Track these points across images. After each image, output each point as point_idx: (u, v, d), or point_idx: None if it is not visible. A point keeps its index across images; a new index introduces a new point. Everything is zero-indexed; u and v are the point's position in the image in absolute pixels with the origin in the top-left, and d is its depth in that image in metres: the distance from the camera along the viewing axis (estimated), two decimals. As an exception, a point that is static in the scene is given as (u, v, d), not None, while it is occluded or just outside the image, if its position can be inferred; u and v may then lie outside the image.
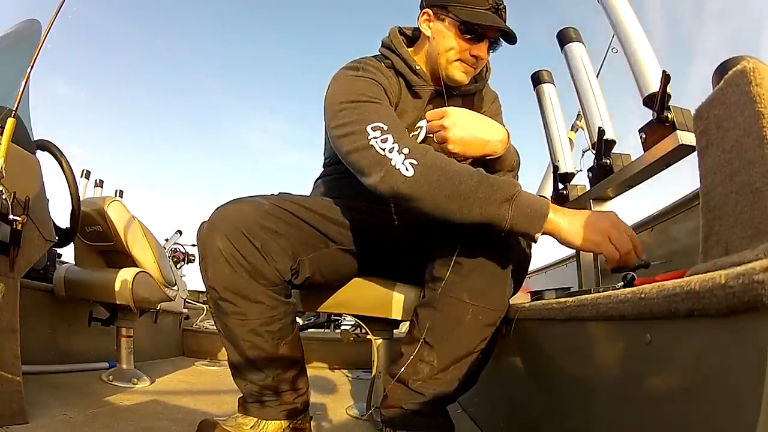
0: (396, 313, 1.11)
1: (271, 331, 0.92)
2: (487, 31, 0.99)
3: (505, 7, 0.99)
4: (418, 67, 1.06)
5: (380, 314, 1.13)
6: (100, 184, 3.42)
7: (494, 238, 0.84)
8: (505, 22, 0.99)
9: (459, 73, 1.02)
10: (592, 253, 1.43)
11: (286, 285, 0.96)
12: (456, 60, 1.01)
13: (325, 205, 1.06)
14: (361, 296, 1.16)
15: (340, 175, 1.10)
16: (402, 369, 0.90)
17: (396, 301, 1.11)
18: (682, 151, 1.07)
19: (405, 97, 1.06)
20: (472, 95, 1.13)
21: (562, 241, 0.80)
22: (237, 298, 0.89)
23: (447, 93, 1.05)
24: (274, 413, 0.96)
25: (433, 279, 0.90)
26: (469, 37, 0.99)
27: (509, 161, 1.00)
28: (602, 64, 1.84)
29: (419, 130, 1.08)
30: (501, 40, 1.01)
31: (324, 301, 1.18)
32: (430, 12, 1.04)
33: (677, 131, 1.07)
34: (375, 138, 0.84)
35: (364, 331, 1.26)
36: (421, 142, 1.06)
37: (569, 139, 1.94)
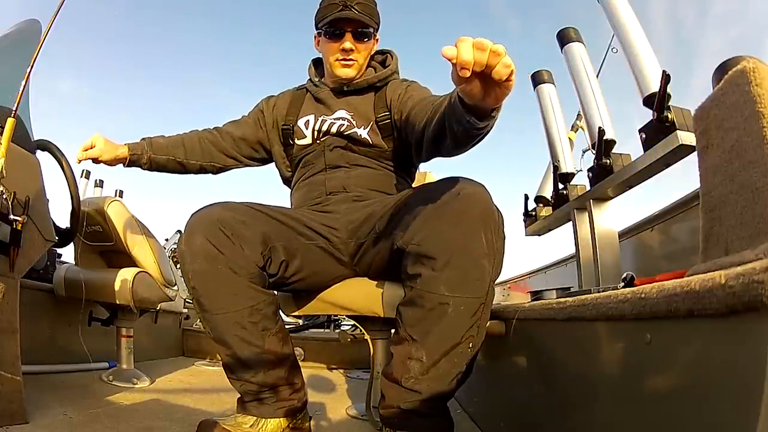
0: (388, 312, 1.10)
1: (254, 323, 0.96)
2: (341, 25, 1.16)
3: (359, 2, 1.15)
4: (317, 79, 1.30)
5: (372, 313, 1.13)
6: (100, 184, 3.43)
7: (462, 227, 0.84)
8: (361, 13, 1.14)
9: (340, 70, 1.20)
10: (592, 253, 1.43)
11: (262, 274, 1.00)
12: (335, 60, 1.20)
13: (290, 209, 1.19)
14: (351, 296, 1.16)
15: (292, 188, 1.30)
16: (393, 369, 0.90)
17: (387, 300, 1.10)
18: (682, 151, 1.07)
19: (307, 103, 1.29)
20: (371, 89, 1.25)
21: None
22: (217, 292, 0.94)
23: (342, 90, 1.24)
24: (272, 411, 0.97)
25: (410, 277, 0.90)
26: (332, 37, 1.18)
27: None
28: (602, 64, 1.84)
29: (327, 121, 1.23)
30: (367, 29, 1.18)
31: (315, 303, 1.19)
32: (315, 35, 1.26)
33: (677, 131, 1.07)
34: None
35: (361, 331, 1.26)
36: (336, 134, 1.21)
37: (569, 139, 1.94)
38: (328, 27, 1.18)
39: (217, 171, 1.35)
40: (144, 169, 1.28)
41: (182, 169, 1.31)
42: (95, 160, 1.16)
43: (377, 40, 1.27)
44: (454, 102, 0.79)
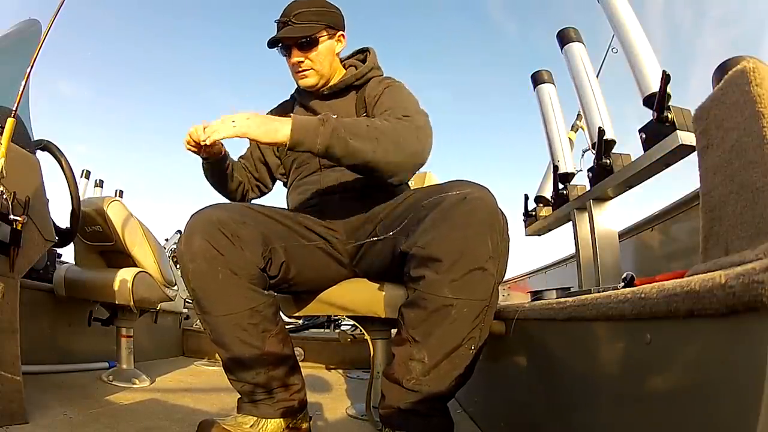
0: (388, 312, 1.10)
1: (254, 324, 0.96)
2: (285, 42, 1.18)
3: (297, 13, 1.16)
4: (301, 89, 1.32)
5: (372, 313, 1.13)
6: (100, 184, 3.43)
7: (468, 231, 0.85)
8: (297, 25, 1.15)
9: (300, 81, 1.23)
10: (592, 253, 1.43)
11: (262, 275, 1.01)
12: (294, 73, 1.23)
13: (288, 210, 1.21)
14: (352, 297, 1.16)
15: (288, 189, 1.31)
16: (395, 369, 0.90)
17: (387, 301, 1.10)
18: (682, 151, 1.07)
19: (296, 110, 1.32)
20: (351, 89, 1.27)
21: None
22: (217, 293, 0.94)
23: (324, 95, 1.27)
24: (272, 411, 0.97)
25: (413, 279, 0.89)
26: (283, 53, 1.21)
27: (310, 145, 0.97)
28: (602, 64, 1.84)
29: None
30: (310, 37, 1.17)
31: (315, 304, 1.19)
32: None
33: (677, 131, 1.07)
34: None
35: (361, 331, 1.26)
36: None
37: (569, 139, 1.94)
38: (279, 48, 1.20)
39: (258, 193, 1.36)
40: (210, 162, 1.16)
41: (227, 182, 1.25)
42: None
43: (341, 37, 1.23)
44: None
